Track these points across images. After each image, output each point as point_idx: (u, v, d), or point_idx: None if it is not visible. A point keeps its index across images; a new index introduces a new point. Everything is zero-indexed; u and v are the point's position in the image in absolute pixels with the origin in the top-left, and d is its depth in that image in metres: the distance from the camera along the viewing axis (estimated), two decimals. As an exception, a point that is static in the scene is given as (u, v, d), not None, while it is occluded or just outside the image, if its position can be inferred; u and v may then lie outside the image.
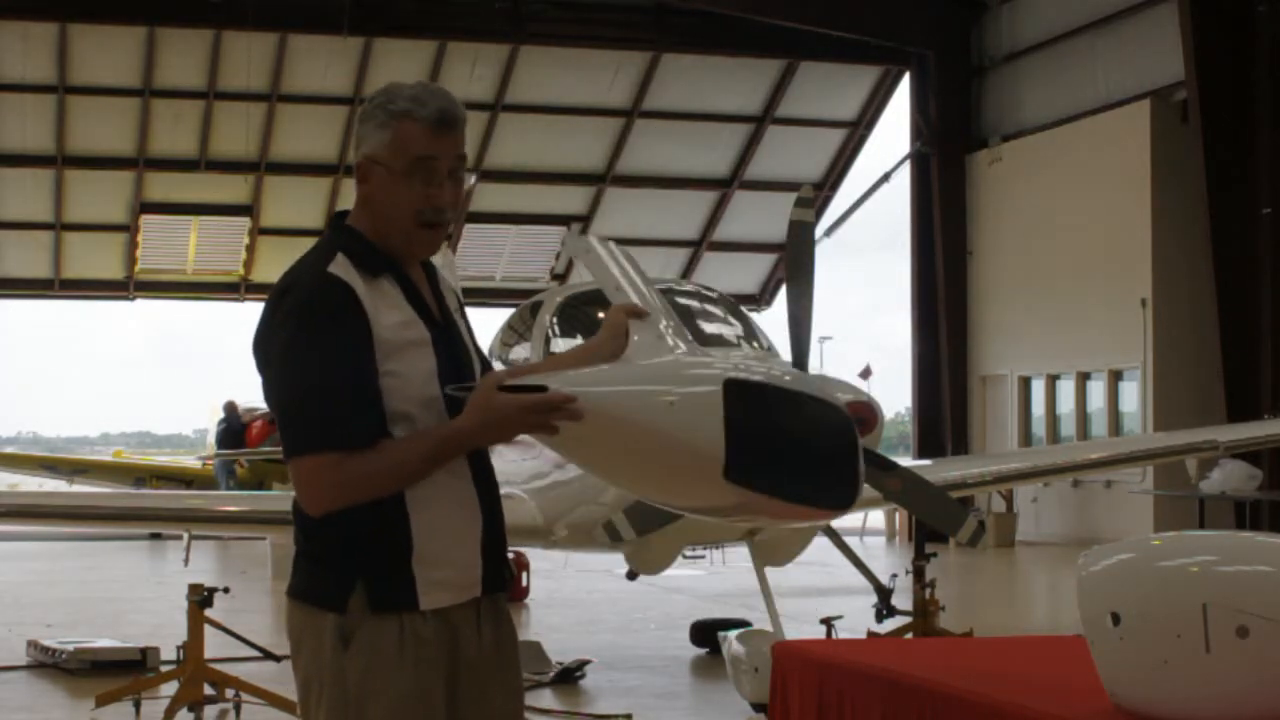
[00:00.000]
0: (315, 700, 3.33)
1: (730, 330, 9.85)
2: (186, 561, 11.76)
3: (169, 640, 10.01)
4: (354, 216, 3.47)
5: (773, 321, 26.57)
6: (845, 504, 3.51)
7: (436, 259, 3.65)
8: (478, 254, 29.23)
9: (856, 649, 5.58)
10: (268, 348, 3.34)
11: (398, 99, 3.39)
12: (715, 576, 16.65)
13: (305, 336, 3.26)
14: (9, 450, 31.71)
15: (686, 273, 29.68)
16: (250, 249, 28.60)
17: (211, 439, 26.47)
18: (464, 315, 3.63)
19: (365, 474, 3.23)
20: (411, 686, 3.28)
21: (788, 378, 3.44)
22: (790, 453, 3.38)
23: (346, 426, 3.22)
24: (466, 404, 3.28)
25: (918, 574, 10.71)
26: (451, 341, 3.46)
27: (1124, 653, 3.44)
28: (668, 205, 28.92)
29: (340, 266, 3.32)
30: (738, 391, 3.30)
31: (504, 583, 3.49)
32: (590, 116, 27.77)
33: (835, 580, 16.17)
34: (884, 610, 10.90)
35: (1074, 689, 3.85)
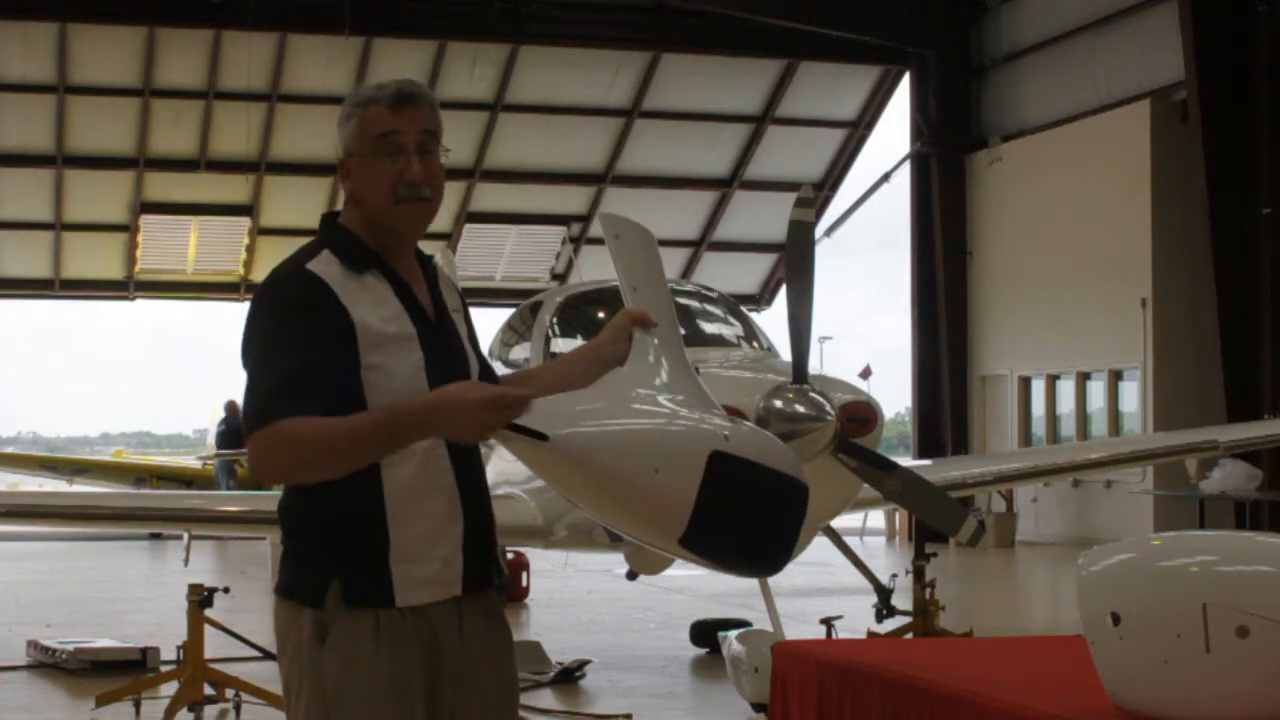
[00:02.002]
0: (295, 694, 3.35)
1: (730, 330, 9.85)
2: (186, 561, 11.76)
3: (169, 640, 10.01)
4: (344, 215, 3.50)
5: (773, 321, 26.60)
6: (774, 572, 3.73)
7: (437, 258, 3.67)
8: (478, 254, 29.23)
9: (856, 649, 5.58)
10: (246, 345, 3.38)
11: (363, 91, 3.47)
12: (715, 576, 16.65)
13: (275, 333, 3.29)
14: (9, 450, 31.72)
15: (686, 273, 29.68)
16: (250, 249, 28.60)
17: (211, 439, 26.47)
18: (466, 315, 3.64)
19: (295, 438, 3.19)
20: (387, 682, 3.29)
21: (762, 445, 3.55)
22: (745, 531, 3.54)
23: (289, 405, 3.20)
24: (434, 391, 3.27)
25: (918, 574, 10.71)
26: (444, 339, 3.47)
27: (1124, 653, 3.44)
28: (668, 205, 28.92)
29: (321, 263, 3.36)
30: (720, 466, 3.43)
31: (490, 581, 3.48)
32: (590, 116, 27.76)
33: (835, 580, 16.16)
34: (884, 610, 10.89)
35: (1074, 689, 3.85)
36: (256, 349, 3.31)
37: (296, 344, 3.26)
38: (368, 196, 3.42)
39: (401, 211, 3.42)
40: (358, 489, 3.29)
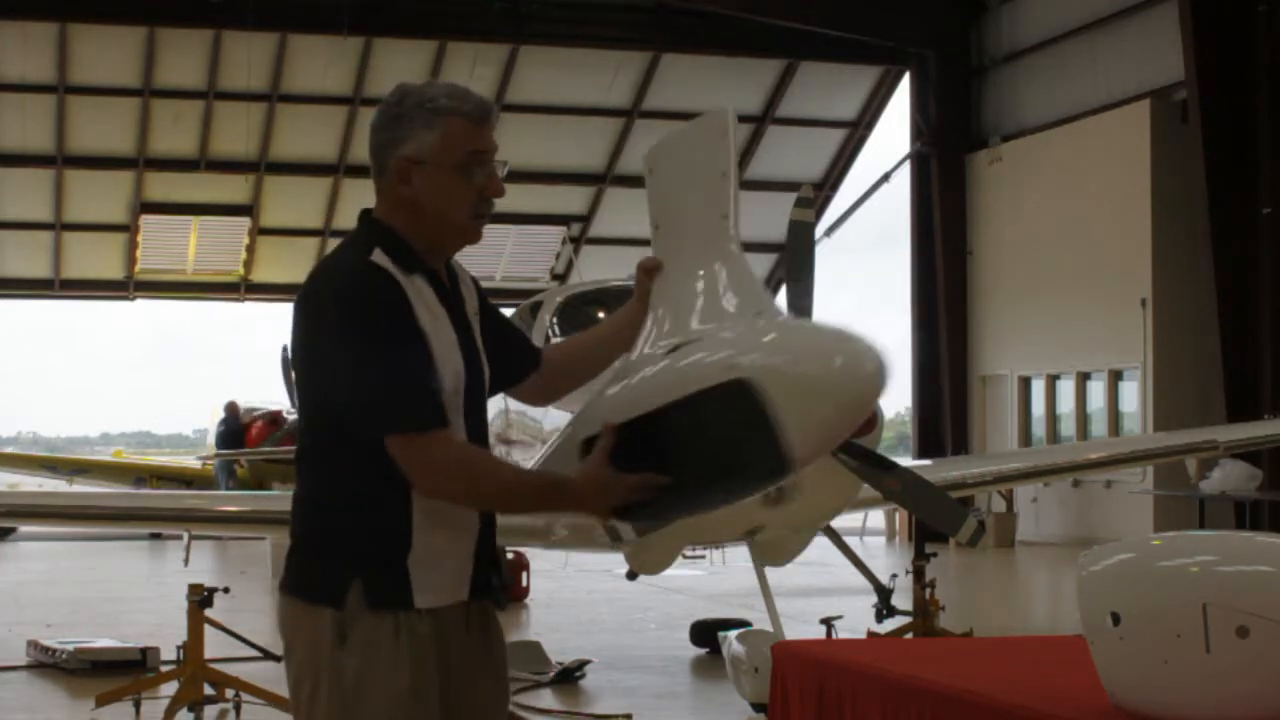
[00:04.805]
0: (310, 695, 3.35)
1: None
2: (186, 561, 11.75)
3: (169, 640, 10.01)
4: (384, 215, 3.46)
5: (773, 321, 26.51)
6: (778, 479, 3.52)
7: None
8: (478, 254, 29.20)
9: (856, 649, 5.57)
10: (316, 337, 3.34)
11: (436, 98, 3.41)
12: (715, 576, 16.65)
13: (366, 319, 3.28)
14: (9, 450, 31.71)
15: (686, 273, 29.63)
16: (250, 249, 28.59)
17: (211, 439, 26.47)
18: (486, 309, 3.66)
19: (483, 473, 3.35)
20: (408, 683, 3.31)
21: (637, 393, 3.54)
22: (691, 468, 3.50)
23: (440, 404, 3.29)
24: (580, 471, 3.43)
25: (918, 574, 10.71)
26: (469, 342, 3.50)
27: (1124, 653, 3.44)
28: (668, 205, 28.88)
29: (381, 260, 3.35)
30: (625, 433, 3.46)
31: (492, 588, 3.51)
32: (590, 116, 27.77)
33: (835, 580, 16.15)
34: (884, 610, 10.87)
35: (1074, 689, 3.84)
36: (355, 343, 3.27)
37: (403, 339, 3.27)
38: (443, 211, 3.41)
39: (474, 227, 3.46)
40: (390, 491, 3.31)
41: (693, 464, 3.47)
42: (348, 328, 3.28)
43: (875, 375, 3.40)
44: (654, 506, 3.54)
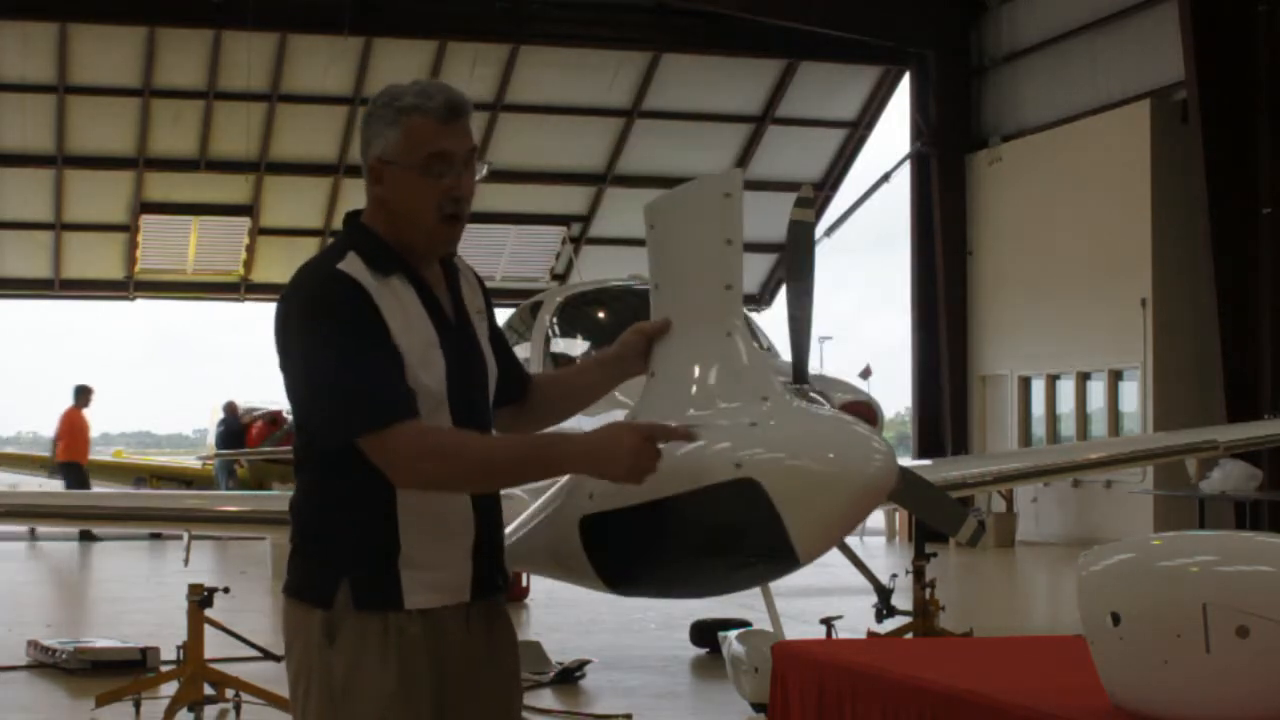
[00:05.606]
0: (303, 695, 3.35)
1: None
2: (186, 561, 11.76)
3: (169, 640, 10.01)
4: (368, 216, 3.45)
5: (773, 321, 26.60)
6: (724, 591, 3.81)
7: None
8: (478, 254, 29.20)
9: (856, 649, 5.57)
10: (286, 345, 3.35)
11: (403, 96, 3.37)
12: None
13: (325, 326, 3.26)
14: (9, 450, 31.71)
15: (687, 273, 29.61)
16: (250, 249, 28.59)
17: (211, 439, 26.49)
18: (489, 313, 3.64)
19: (455, 449, 3.24)
20: (396, 684, 3.29)
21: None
22: (660, 568, 3.56)
23: (402, 397, 3.23)
24: (605, 429, 3.34)
25: (918, 574, 10.70)
26: (464, 342, 3.46)
27: (1124, 653, 3.43)
28: (668, 205, 28.89)
29: (350, 264, 3.33)
30: (593, 528, 3.55)
31: (497, 587, 3.49)
32: (590, 116, 27.77)
33: (835, 580, 16.15)
34: (884, 610, 10.89)
35: (1074, 689, 3.84)
36: (318, 345, 3.27)
37: (365, 339, 3.25)
38: (409, 211, 3.37)
39: (443, 229, 3.40)
40: (372, 493, 3.29)
41: (693, 556, 3.47)
42: (308, 336, 3.29)
43: (884, 471, 3.40)
44: (653, 585, 3.59)
